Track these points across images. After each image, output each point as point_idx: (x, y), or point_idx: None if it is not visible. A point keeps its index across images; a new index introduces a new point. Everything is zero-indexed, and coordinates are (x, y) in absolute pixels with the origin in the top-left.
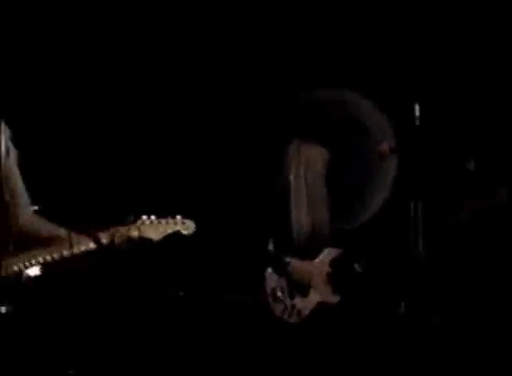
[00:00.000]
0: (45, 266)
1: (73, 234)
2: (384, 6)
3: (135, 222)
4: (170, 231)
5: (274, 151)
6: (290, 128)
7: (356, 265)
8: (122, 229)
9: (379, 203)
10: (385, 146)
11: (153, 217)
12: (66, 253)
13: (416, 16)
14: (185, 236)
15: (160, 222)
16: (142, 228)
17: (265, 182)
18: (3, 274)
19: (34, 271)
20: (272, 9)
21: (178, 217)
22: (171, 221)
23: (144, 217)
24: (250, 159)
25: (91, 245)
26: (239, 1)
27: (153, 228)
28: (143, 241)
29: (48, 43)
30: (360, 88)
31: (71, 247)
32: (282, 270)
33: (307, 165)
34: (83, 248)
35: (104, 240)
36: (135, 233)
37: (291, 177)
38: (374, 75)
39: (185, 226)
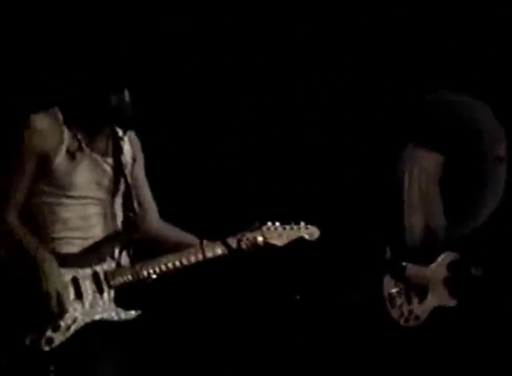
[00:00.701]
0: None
1: (204, 241)
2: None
3: (260, 228)
4: (294, 237)
5: (389, 156)
6: (406, 131)
7: (473, 269)
8: (248, 235)
9: (492, 207)
10: (502, 151)
11: (277, 223)
12: (197, 258)
13: None
14: (306, 241)
15: (284, 228)
16: (267, 234)
17: (381, 187)
18: (133, 279)
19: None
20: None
21: (302, 223)
22: (295, 227)
23: (269, 223)
24: (369, 165)
25: (221, 251)
26: None
27: (277, 234)
28: (268, 247)
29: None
30: (476, 92)
31: (203, 252)
32: (399, 276)
33: (421, 171)
34: (211, 254)
35: (233, 245)
36: (260, 239)
37: (405, 182)
38: (489, 80)
39: (308, 232)
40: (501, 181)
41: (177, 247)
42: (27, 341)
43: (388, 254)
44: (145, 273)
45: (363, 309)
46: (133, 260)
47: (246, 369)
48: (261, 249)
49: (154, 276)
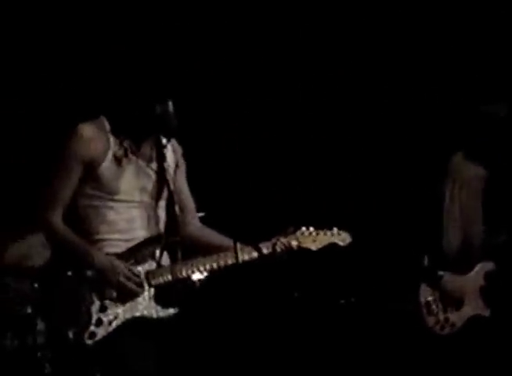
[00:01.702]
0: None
1: (238, 244)
2: None
3: (294, 232)
4: (327, 242)
5: (434, 165)
6: (453, 141)
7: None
8: (283, 240)
9: None
10: None
11: (311, 228)
12: (230, 262)
13: None
14: (341, 247)
15: (318, 234)
16: (301, 239)
17: (423, 196)
18: (172, 280)
19: (197, 276)
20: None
21: (335, 229)
22: (328, 232)
23: (303, 228)
24: (409, 174)
25: (254, 254)
26: None
27: (311, 239)
28: (302, 251)
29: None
30: None
31: (237, 256)
32: (436, 284)
33: (462, 184)
34: (247, 258)
35: (266, 250)
36: (294, 244)
37: (446, 194)
38: None
39: (341, 238)
40: None
41: (215, 250)
42: (71, 335)
43: (426, 262)
44: (184, 274)
45: (400, 316)
46: (172, 261)
47: (277, 366)
48: (295, 253)
49: (197, 278)
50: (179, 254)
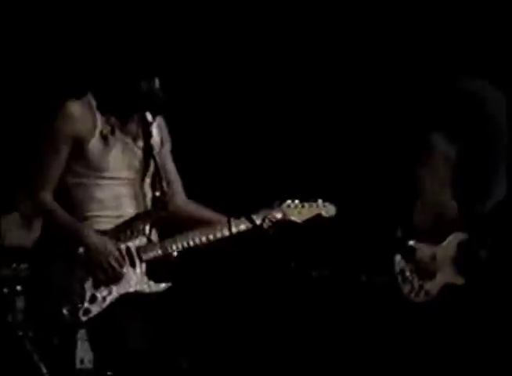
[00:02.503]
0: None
1: (230, 218)
2: None
3: (280, 205)
4: (312, 214)
5: (410, 141)
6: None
7: (481, 252)
8: (269, 213)
9: (503, 191)
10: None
11: (296, 201)
12: (223, 234)
13: None
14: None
15: (303, 206)
16: (287, 211)
17: (397, 171)
18: (163, 254)
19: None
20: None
21: (320, 200)
22: (313, 204)
23: (289, 201)
24: (385, 149)
25: (247, 226)
26: None
27: (296, 211)
28: (288, 223)
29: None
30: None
31: (230, 228)
32: (409, 254)
33: (434, 162)
34: (239, 229)
35: (258, 221)
36: (280, 216)
37: (420, 171)
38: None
39: (326, 209)
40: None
41: (202, 225)
42: (65, 312)
43: (399, 233)
44: (174, 248)
45: (376, 285)
46: (162, 237)
47: (262, 340)
48: (282, 226)
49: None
50: (169, 230)
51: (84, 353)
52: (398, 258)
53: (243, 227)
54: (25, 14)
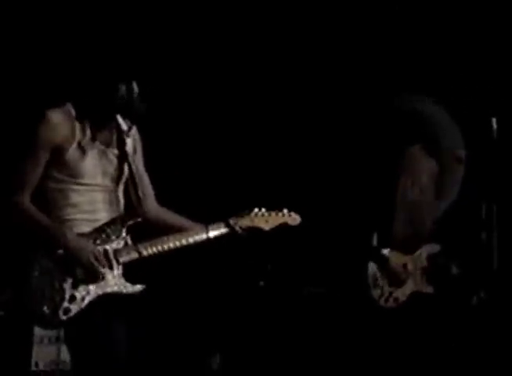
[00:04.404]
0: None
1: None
2: (463, 17)
3: (248, 214)
4: (278, 222)
5: (391, 153)
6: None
7: (453, 268)
8: (240, 219)
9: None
10: (461, 152)
11: (263, 209)
12: (201, 238)
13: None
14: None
15: (270, 214)
16: (254, 219)
17: (379, 182)
18: (139, 257)
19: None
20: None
21: (285, 210)
22: (279, 213)
23: (256, 209)
24: (362, 157)
25: (223, 231)
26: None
27: (264, 219)
28: (255, 231)
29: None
30: (439, 99)
31: (207, 232)
32: (381, 261)
33: (415, 176)
34: (217, 233)
35: (235, 226)
36: (248, 223)
37: (400, 183)
38: (453, 87)
39: (291, 218)
40: (458, 178)
41: (174, 231)
42: (46, 311)
43: (374, 241)
44: (150, 252)
45: (348, 289)
46: (136, 240)
47: (239, 343)
48: (251, 233)
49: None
50: (143, 235)
51: (38, 356)
52: (371, 264)
53: (219, 232)
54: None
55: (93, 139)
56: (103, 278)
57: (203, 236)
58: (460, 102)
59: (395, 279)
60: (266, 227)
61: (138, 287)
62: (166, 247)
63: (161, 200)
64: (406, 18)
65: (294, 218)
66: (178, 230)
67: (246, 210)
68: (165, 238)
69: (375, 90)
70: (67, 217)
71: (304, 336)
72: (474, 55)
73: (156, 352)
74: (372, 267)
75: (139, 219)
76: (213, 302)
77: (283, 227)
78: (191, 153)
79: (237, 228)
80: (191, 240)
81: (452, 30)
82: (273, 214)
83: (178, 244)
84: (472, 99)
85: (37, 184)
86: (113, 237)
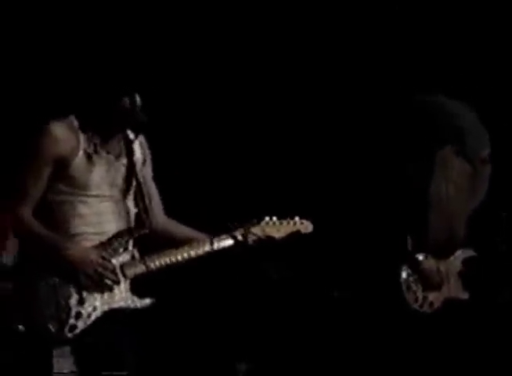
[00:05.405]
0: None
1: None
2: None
3: (258, 223)
4: (290, 231)
5: (423, 156)
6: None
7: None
8: (250, 229)
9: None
10: (486, 153)
11: (274, 218)
12: (206, 251)
13: None
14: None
15: (281, 223)
16: (265, 228)
17: (408, 182)
18: (147, 271)
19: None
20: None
21: (297, 218)
22: (291, 221)
23: (267, 218)
24: (394, 160)
25: (229, 242)
26: None
27: (275, 228)
28: (268, 240)
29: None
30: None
31: (212, 244)
32: (415, 265)
33: (449, 179)
34: (222, 245)
35: (240, 237)
36: (259, 233)
37: (433, 187)
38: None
39: (303, 226)
40: (485, 178)
41: (182, 242)
42: (52, 329)
43: (409, 244)
44: (157, 265)
45: (381, 294)
46: (143, 253)
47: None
48: (263, 242)
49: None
50: (150, 247)
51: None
52: (404, 268)
53: (225, 244)
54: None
55: (100, 149)
56: (112, 289)
57: (208, 249)
58: (486, 102)
59: (430, 284)
60: (278, 236)
61: (147, 302)
62: (174, 259)
63: (167, 210)
64: (431, 16)
65: (306, 226)
66: (186, 242)
67: (255, 219)
68: (173, 250)
69: (400, 90)
70: (74, 230)
71: (334, 341)
72: (501, 54)
73: (181, 360)
74: (405, 271)
75: (146, 231)
76: (239, 309)
77: (296, 236)
78: (196, 162)
79: (248, 238)
80: (200, 252)
81: (478, 30)
82: (285, 222)
83: (186, 256)
84: (498, 100)
85: (42, 197)
86: (120, 251)
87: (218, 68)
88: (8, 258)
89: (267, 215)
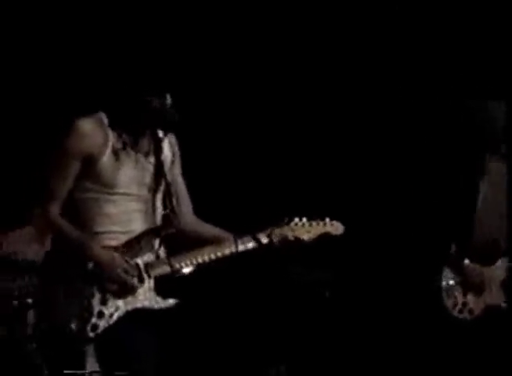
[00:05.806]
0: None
1: (237, 236)
2: None
3: (288, 223)
4: (320, 232)
5: (465, 159)
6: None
7: None
8: (277, 230)
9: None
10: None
11: (304, 219)
12: (230, 252)
13: None
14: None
15: (311, 224)
16: (295, 229)
17: (456, 188)
18: (171, 271)
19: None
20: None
21: (327, 219)
22: (320, 223)
23: (296, 219)
24: (441, 165)
25: (252, 245)
26: None
27: (304, 229)
28: (297, 241)
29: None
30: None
31: (236, 247)
32: (457, 270)
33: (493, 182)
34: (245, 247)
35: (264, 240)
36: (289, 234)
37: (481, 191)
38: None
39: (333, 228)
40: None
41: (209, 242)
42: (74, 328)
43: (453, 249)
44: (182, 265)
45: (421, 297)
46: (169, 253)
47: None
48: (291, 244)
49: (189, 269)
50: (176, 247)
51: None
52: (446, 271)
53: (249, 246)
54: (34, 28)
55: (129, 147)
56: (135, 292)
57: (233, 250)
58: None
59: (471, 290)
60: (307, 238)
61: (171, 302)
62: (200, 260)
63: (196, 209)
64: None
65: (337, 228)
66: (212, 242)
67: (285, 219)
68: (198, 251)
69: (449, 95)
70: (100, 229)
71: (370, 346)
72: None
73: (215, 363)
74: (447, 277)
75: (173, 231)
76: (276, 313)
77: (325, 237)
78: (227, 161)
79: (276, 239)
80: (225, 253)
81: None
82: (314, 223)
83: (212, 257)
84: None
85: (70, 194)
86: (146, 250)
87: (247, 70)
88: (39, 256)
89: (298, 216)
